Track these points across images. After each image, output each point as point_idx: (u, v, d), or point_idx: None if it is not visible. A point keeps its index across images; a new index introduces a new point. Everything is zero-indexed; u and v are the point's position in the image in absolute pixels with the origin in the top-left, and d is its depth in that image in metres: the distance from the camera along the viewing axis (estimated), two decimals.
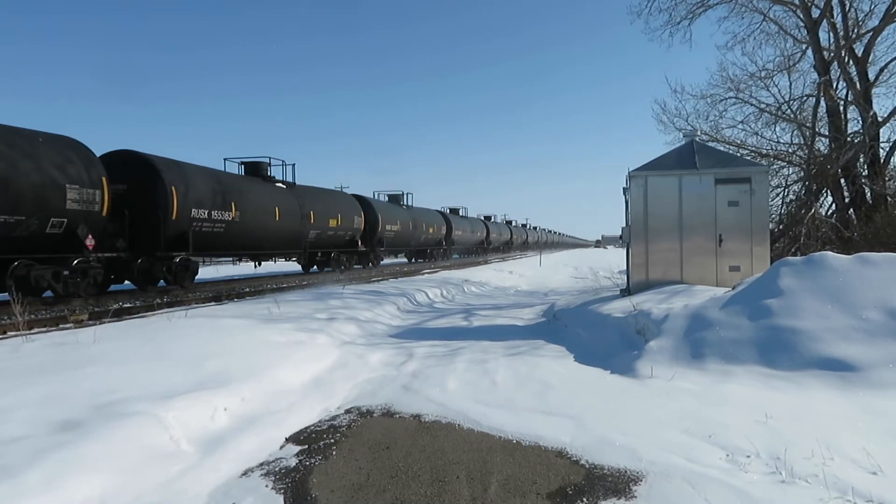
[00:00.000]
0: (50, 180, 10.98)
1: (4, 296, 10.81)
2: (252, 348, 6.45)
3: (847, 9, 14.55)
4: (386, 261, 33.32)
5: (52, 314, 9.94)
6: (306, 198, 20.54)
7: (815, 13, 14.52)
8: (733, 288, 7.43)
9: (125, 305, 11.44)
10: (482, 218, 54.10)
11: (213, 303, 12.19)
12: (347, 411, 4.89)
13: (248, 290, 15.26)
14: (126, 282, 14.17)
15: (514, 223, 70.32)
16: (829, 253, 6.73)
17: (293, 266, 24.44)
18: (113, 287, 14.18)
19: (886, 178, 13.91)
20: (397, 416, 4.72)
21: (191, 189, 14.68)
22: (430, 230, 35.11)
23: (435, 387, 5.45)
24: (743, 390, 4.93)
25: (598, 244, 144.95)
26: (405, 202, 33.83)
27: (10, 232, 10.42)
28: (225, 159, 19.30)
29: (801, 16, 14.82)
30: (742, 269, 9.55)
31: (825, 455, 3.45)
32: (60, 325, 8.93)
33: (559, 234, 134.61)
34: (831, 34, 14.78)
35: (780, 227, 14.36)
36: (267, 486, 3.42)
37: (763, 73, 15.68)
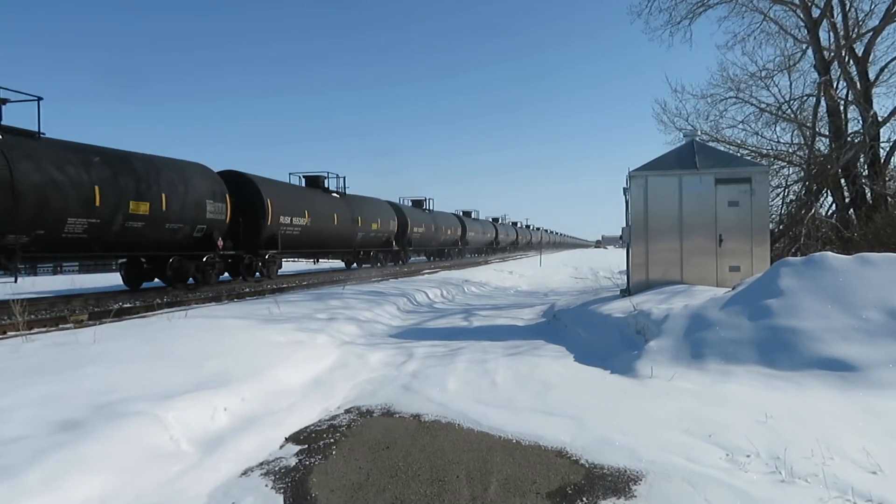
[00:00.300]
0: (199, 197, 14.94)
1: (8, 295, 10.89)
2: (252, 348, 6.46)
3: (847, 9, 14.55)
4: (412, 259, 35.98)
5: (51, 314, 9.94)
6: (355, 205, 24.83)
7: (816, 13, 14.53)
8: (733, 288, 7.43)
9: (125, 305, 11.44)
10: (491, 220, 56.48)
11: (213, 303, 12.19)
12: (347, 411, 4.89)
13: (247, 290, 15.27)
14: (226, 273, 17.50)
15: (517, 224, 72.44)
16: (829, 253, 6.72)
17: (338, 264, 28.70)
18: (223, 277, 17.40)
19: (886, 178, 13.91)
20: (397, 415, 4.72)
21: (280, 200, 18.65)
22: (448, 231, 38.97)
23: (435, 387, 5.45)
24: (743, 390, 4.93)
25: (598, 244, 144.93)
26: (427, 207, 37.39)
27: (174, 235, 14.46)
28: (290, 174, 23.63)
29: (801, 15, 14.83)
30: (742, 269, 9.55)
31: (825, 455, 3.45)
32: (60, 326, 8.93)
33: (559, 234, 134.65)
34: (831, 34, 14.79)
35: (780, 227, 14.36)
36: (267, 485, 3.42)
37: (763, 73, 15.71)
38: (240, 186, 17.33)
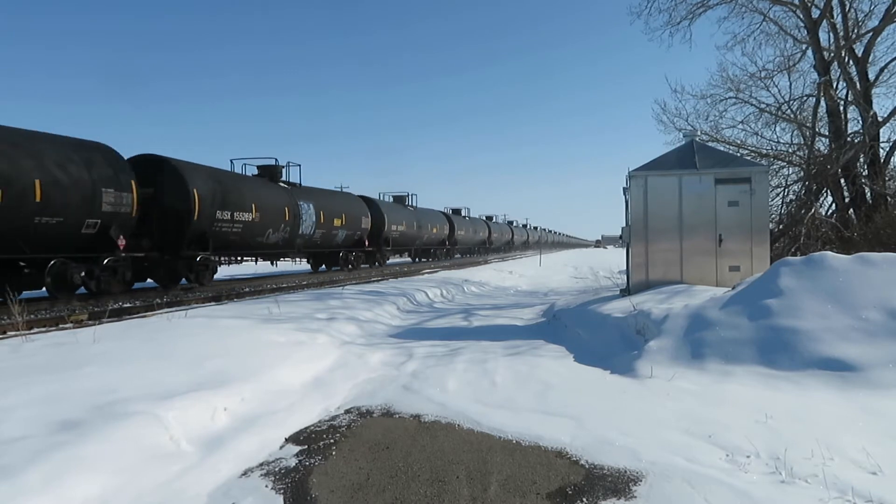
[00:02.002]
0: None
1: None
2: (252, 348, 6.45)
3: (847, 9, 14.56)
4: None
5: (51, 314, 9.94)
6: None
7: (815, 13, 14.53)
8: (733, 288, 7.43)
9: (125, 305, 11.44)
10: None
11: (212, 303, 12.19)
12: (347, 411, 4.89)
13: (247, 290, 15.26)
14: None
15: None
16: (829, 253, 6.73)
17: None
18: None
19: (886, 178, 13.91)
20: (397, 416, 4.72)
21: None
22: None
23: (435, 387, 5.45)
24: (743, 390, 4.93)
25: (598, 244, 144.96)
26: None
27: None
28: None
29: (801, 16, 14.83)
30: (742, 269, 9.55)
31: (825, 455, 3.45)
32: (60, 326, 8.93)
33: (559, 234, 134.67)
34: (831, 34, 14.79)
35: (780, 227, 14.36)
36: (267, 485, 3.42)
37: (763, 74, 15.70)
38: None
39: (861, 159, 14.22)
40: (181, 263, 14.77)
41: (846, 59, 14.49)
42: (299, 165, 21.67)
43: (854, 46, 14.63)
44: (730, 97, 15.75)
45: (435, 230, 36.29)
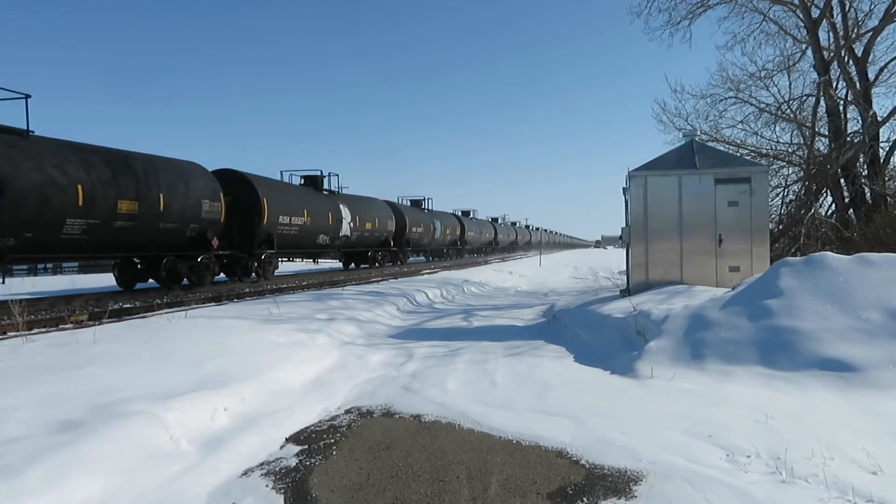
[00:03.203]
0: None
1: (4, 296, 10.89)
2: (252, 348, 6.45)
3: (847, 9, 14.57)
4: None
5: (51, 314, 9.94)
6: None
7: (815, 13, 14.54)
8: (733, 288, 7.43)
9: (125, 306, 11.44)
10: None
11: (212, 303, 12.19)
12: (347, 411, 4.89)
13: (247, 290, 15.27)
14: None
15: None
16: (829, 253, 6.73)
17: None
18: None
19: (886, 178, 13.91)
20: (397, 416, 4.72)
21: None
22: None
23: (435, 387, 5.45)
24: (743, 390, 4.93)
25: (597, 244, 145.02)
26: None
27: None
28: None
29: (801, 16, 14.84)
30: (742, 269, 9.55)
31: (825, 455, 3.45)
32: (60, 326, 8.93)
33: (559, 234, 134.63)
34: (831, 34, 14.80)
35: (780, 227, 14.36)
36: (267, 485, 3.42)
37: (763, 73, 15.71)
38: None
39: (861, 159, 14.23)
40: (251, 260, 17.81)
41: (846, 59, 14.50)
42: (338, 175, 24.32)
43: (854, 46, 14.63)
44: (730, 97, 15.78)
45: (448, 231, 38.84)
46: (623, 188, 10.57)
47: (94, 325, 8.52)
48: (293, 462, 3.79)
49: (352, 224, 23.74)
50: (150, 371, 5.17)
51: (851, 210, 14.34)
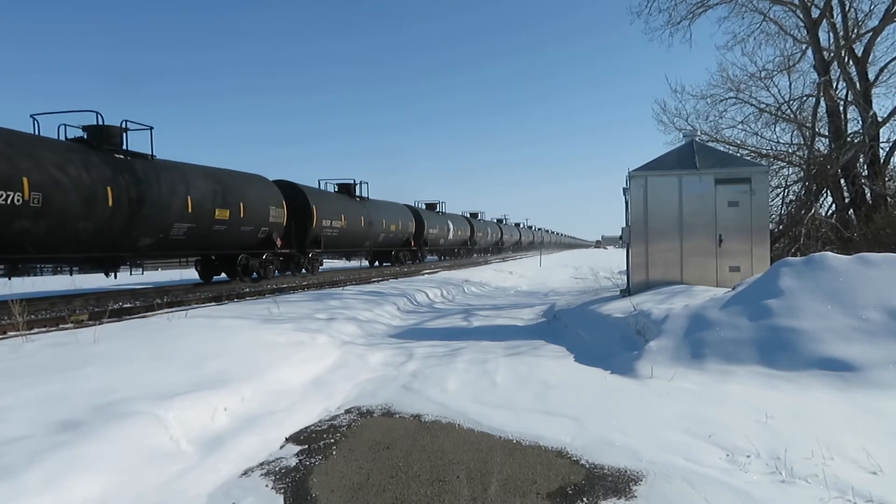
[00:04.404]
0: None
1: (4, 296, 10.95)
2: (252, 348, 6.45)
3: (847, 9, 14.56)
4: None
5: (51, 314, 9.94)
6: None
7: (815, 13, 14.53)
8: (733, 288, 7.43)
9: (125, 305, 11.44)
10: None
11: (213, 303, 12.19)
12: (347, 411, 4.89)
13: (247, 290, 15.28)
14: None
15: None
16: (829, 253, 6.73)
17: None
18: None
19: (886, 179, 13.91)
20: (397, 416, 4.72)
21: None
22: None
23: (435, 387, 5.45)
24: (743, 390, 4.93)
25: (598, 244, 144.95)
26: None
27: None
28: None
29: (801, 16, 14.83)
30: (742, 269, 9.55)
31: (825, 455, 3.45)
32: (60, 326, 8.93)
33: (559, 234, 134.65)
34: (831, 34, 14.80)
35: (780, 227, 14.36)
36: (267, 485, 3.42)
37: (763, 74, 15.70)
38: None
39: (861, 159, 14.22)
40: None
41: (846, 59, 14.49)
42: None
43: (854, 46, 14.63)
44: (730, 97, 15.77)
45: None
46: (623, 188, 10.57)
47: (94, 324, 8.52)
48: (293, 462, 3.79)
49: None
50: (150, 371, 5.17)
51: (851, 210, 14.34)
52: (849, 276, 6.13)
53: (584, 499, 3.14)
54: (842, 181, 14.57)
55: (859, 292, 5.87)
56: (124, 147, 13.45)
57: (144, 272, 17.53)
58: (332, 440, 4.17)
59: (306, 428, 4.48)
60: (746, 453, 3.58)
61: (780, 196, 15.12)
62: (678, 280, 9.81)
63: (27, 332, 7.74)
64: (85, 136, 12.96)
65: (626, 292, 10.15)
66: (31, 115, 12.41)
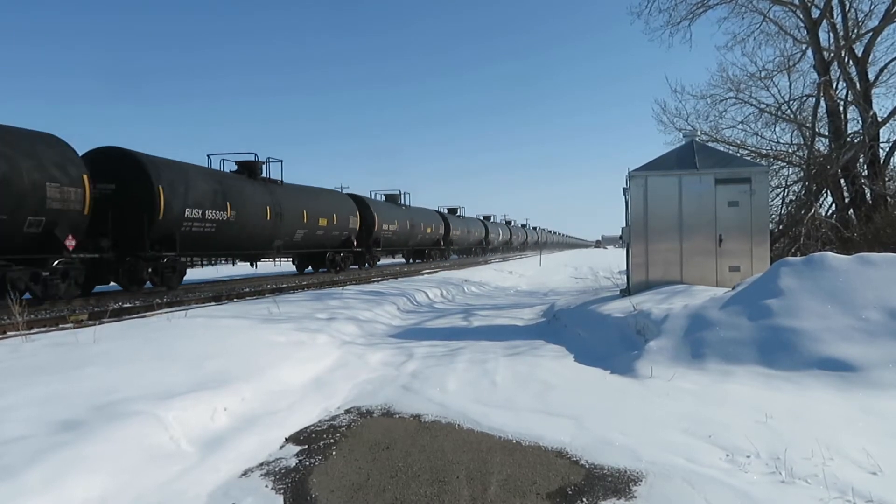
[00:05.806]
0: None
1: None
2: (252, 348, 6.45)
3: (847, 9, 14.56)
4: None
5: (51, 314, 9.94)
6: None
7: (815, 13, 14.53)
8: (733, 288, 7.43)
9: (125, 305, 11.44)
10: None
11: (212, 303, 12.19)
12: (347, 411, 4.89)
13: (247, 289, 15.27)
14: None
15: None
16: (829, 253, 6.73)
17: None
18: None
19: (886, 179, 13.92)
20: (397, 416, 4.72)
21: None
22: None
23: (435, 387, 5.45)
24: (743, 390, 4.93)
25: (597, 244, 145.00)
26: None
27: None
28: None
29: (801, 16, 14.83)
30: (742, 269, 9.55)
31: (825, 455, 3.45)
32: (60, 326, 8.93)
33: (559, 234, 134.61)
34: (831, 34, 14.80)
35: (780, 227, 14.36)
36: (267, 485, 3.42)
37: (763, 74, 15.70)
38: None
39: (861, 159, 14.22)
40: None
41: (846, 59, 14.49)
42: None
43: (854, 46, 14.63)
44: (730, 97, 15.77)
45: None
46: (623, 188, 10.57)
47: (94, 324, 8.51)
48: (293, 462, 3.79)
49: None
50: (150, 371, 5.17)
51: (851, 210, 14.33)
52: (849, 275, 6.13)
53: (584, 499, 3.14)
54: (842, 181, 14.57)
55: (859, 292, 5.87)
56: (264, 175, 19.25)
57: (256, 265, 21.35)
58: (332, 440, 4.17)
59: (306, 428, 4.48)
60: (746, 453, 3.58)
61: (780, 196, 15.13)
62: (678, 280, 9.81)
63: (27, 332, 7.74)
64: (237, 169, 18.80)
65: (626, 292, 10.15)
66: (208, 155, 18.62)
